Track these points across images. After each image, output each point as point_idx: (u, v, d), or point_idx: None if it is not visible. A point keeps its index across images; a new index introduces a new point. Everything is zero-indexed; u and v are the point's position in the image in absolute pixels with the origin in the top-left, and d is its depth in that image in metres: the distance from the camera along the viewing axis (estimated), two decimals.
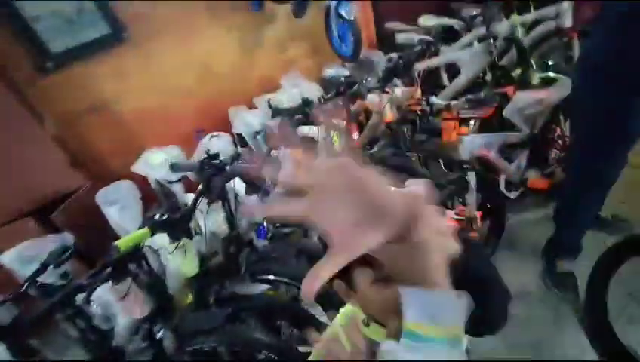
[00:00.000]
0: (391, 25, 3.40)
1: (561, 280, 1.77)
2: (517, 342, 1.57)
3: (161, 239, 1.37)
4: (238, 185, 1.65)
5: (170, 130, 2.60)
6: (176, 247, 1.33)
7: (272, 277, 1.51)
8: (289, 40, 3.16)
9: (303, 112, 2.01)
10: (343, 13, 2.44)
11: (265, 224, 1.71)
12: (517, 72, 2.36)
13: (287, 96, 2.62)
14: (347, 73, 2.76)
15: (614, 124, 1.41)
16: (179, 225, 1.33)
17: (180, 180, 2.15)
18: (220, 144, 2.23)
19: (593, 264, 1.59)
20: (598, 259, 1.57)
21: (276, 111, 2.17)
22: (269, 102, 2.31)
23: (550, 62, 2.37)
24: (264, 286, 1.56)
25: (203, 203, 1.47)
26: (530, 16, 2.72)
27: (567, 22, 2.48)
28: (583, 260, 1.74)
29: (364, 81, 2.05)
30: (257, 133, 2.51)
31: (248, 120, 2.50)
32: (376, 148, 2.05)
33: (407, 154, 2.01)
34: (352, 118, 2.05)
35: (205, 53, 2.80)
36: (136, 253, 1.25)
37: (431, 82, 2.83)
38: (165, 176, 2.12)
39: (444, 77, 2.91)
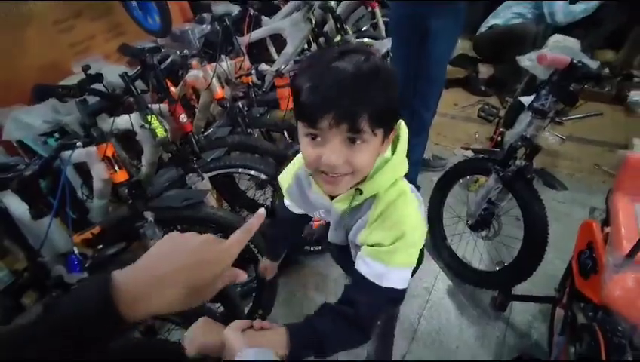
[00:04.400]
0: None
1: None
2: None
3: None
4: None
5: None
6: None
7: None
8: (72, 19, 2.46)
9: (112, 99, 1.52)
10: None
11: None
12: (337, 39, 2.44)
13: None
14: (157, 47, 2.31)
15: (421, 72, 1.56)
16: None
17: None
18: None
19: (428, 198, 1.79)
20: (432, 192, 1.77)
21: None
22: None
23: (363, 29, 2.55)
24: None
25: None
26: None
27: None
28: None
29: (180, 56, 1.71)
30: (51, 134, 1.85)
31: (28, 121, 1.82)
32: (212, 129, 1.78)
33: (249, 131, 1.82)
34: (177, 98, 1.69)
35: None
36: None
37: (259, 57, 2.70)
38: None
39: (272, 50, 2.81)
